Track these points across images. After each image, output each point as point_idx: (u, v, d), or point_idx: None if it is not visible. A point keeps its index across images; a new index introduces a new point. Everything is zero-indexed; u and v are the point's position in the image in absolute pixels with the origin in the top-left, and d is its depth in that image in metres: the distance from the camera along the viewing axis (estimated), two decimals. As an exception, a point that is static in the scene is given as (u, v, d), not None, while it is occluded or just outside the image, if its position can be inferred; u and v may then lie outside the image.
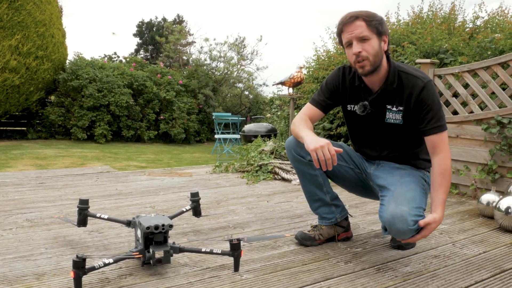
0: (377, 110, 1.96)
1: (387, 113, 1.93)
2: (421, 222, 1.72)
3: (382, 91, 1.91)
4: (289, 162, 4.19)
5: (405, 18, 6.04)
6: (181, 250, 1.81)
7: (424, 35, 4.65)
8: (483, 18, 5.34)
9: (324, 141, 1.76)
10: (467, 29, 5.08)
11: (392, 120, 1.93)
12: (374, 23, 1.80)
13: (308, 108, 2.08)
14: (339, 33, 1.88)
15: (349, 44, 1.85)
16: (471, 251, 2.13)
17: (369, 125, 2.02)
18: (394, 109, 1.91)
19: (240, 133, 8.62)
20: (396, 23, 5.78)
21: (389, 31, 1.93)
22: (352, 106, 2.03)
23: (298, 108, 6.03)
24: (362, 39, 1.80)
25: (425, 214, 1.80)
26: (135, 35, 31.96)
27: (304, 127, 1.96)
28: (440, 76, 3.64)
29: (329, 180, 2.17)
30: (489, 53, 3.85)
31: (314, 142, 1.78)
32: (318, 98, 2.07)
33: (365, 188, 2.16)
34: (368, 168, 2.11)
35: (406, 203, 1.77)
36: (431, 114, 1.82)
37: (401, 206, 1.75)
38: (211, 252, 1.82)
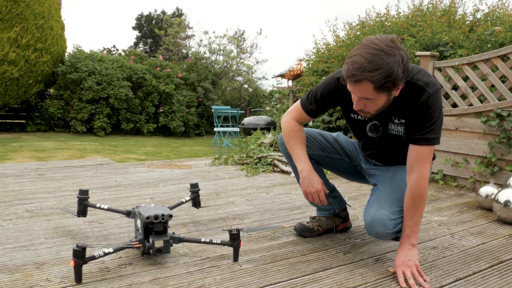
0: (382, 121, 1.84)
1: (389, 124, 1.82)
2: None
3: (390, 104, 1.73)
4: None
5: (405, 11, 6.04)
6: (180, 240, 1.82)
7: (424, 28, 4.64)
8: (483, 11, 5.32)
9: (317, 185, 1.82)
10: (467, 22, 5.07)
11: (394, 132, 1.83)
12: (387, 86, 1.51)
13: (298, 112, 1.94)
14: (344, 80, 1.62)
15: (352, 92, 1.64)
16: (469, 242, 2.14)
17: (371, 134, 1.94)
18: (397, 121, 1.79)
19: (239, 126, 8.62)
20: (396, 16, 5.77)
21: (408, 62, 1.58)
22: (356, 115, 1.88)
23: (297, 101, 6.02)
24: (366, 99, 1.59)
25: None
26: (134, 28, 31.89)
27: (297, 146, 1.89)
28: (439, 69, 3.64)
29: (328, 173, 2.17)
30: (489, 45, 3.84)
31: (307, 183, 1.84)
32: (309, 105, 1.90)
33: (361, 177, 2.15)
34: (363, 163, 2.07)
35: (388, 206, 1.75)
36: (425, 124, 1.66)
37: (382, 210, 1.74)
38: (210, 242, 1.83)
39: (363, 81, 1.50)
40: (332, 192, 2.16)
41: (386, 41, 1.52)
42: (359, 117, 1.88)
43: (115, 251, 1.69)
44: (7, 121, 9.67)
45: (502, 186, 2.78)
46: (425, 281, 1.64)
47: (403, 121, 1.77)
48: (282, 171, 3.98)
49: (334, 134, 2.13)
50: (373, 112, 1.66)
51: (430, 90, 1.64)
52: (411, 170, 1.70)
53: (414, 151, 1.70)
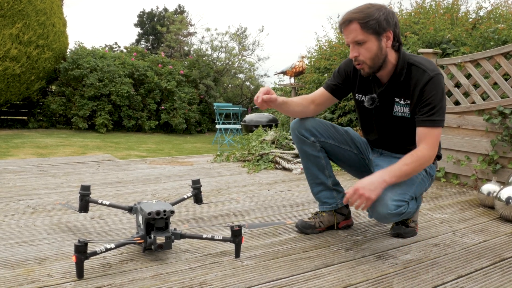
0: (386, 102, 1.93)
1: (395, 106, 1.91)
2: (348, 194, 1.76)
3: (390, 83, 1.88)
4: (290, 151, 4.20)
5: (408, 9, 6.02)
6: (182, 236, 1.82)
7: (426, 25, 4.63)
8: (486, 8, 5.31)
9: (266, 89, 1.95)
10: (470, 20, 5.06)
11: (399, 114, 1.91)
12: (371, 24, 1.74)
13: (318, 90, 2.11)
14: (341, 32, 1.88)
15: (349, 45, 1.85)
16: (471, 240, 2.14)
17: (377, 117, 2.00)
18: (402, 102, 1.88)
19: (241, 123, 8.62)
20: (398, 13, 5.76)
21: (397, 21, 1.83)
22: (361, 96, 2.02)
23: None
24: (358, 43, 1.78)
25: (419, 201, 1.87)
26: (136, 25, 31.90)
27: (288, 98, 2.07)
28: (442, 66, 3.63)
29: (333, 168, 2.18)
30: (492, 43, 3.83)
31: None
32: (330, 82, 2.08)
33: (367, 172, 2.16)
34: (370, 154, 2.14)
35: (391, 188, 1.80)
36: (428, 107, 1.77)
37: (385, 191, 1.78)
38: (212, 239, 1.83)
39: (351, 23, 1.77)
40: (336, 186, 2.18)
41: (377, 3, 1.80)
42: (363, 97, 1.99)
43: (117, 246, 1.69)
44: (9, 117, 9.69)
45: (504, 184, 2.78)
46: None
47: (408, 101, 1.86)
48: (284, 168, 3.98)
49: (345, 128, 2.19)
50: (368, 62, 1.80)
51: (431, 73, 1.78)
52: (417, 145, 1.79)
53: (420, 133, 1.79)
